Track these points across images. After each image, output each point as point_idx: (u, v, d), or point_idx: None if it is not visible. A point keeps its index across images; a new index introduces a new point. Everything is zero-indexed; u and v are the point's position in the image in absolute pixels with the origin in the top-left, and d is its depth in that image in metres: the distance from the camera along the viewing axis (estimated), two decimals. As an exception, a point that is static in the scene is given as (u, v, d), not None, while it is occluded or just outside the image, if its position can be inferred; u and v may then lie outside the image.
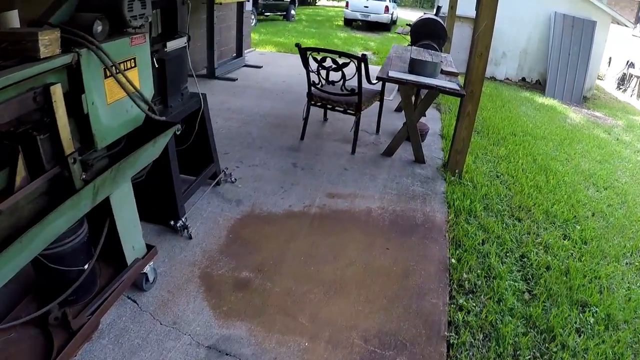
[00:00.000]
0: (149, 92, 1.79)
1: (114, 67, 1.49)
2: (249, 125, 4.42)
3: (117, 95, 1.57)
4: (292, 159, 3.70)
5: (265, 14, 14.31)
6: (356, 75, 3.50)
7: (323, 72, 3.68)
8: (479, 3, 3.11)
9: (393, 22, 16.06)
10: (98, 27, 1.44)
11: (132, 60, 1.65)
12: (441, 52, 5.32)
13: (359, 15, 14.97)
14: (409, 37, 6.00)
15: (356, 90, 3.60)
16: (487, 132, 5.16)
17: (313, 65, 3.71)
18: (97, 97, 1.47)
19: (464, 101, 3.33)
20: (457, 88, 3.33)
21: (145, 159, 1.79)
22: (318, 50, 3.58)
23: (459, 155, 3.52)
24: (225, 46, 7.11)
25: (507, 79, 9.75)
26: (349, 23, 15.69)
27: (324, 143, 4.11)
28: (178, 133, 1.88)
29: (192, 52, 5.86)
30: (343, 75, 3.58)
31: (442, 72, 3.74)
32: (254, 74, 6.59)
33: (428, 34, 5.60)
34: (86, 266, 1.67)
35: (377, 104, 4.18)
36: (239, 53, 6.93)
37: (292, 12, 15.47)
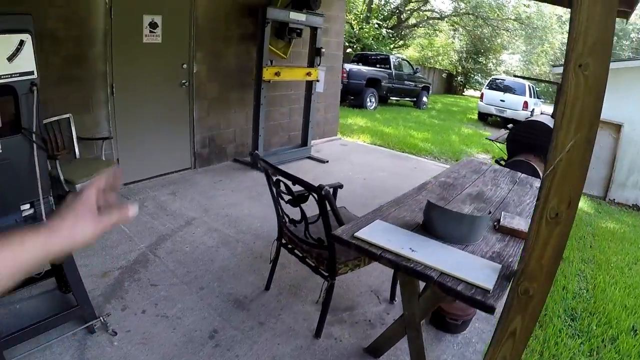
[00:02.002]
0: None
1: None
2: (223, 248, 3.26)
3: None
4: (222, 322, 2.38)
5: (392, 98, 13.55)
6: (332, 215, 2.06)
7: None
8: None
9: (534, 121, 13.58)
10: None
11: None
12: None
13: (493, 110, 13.07)
14: (504, 147, 4.26)
15: (324, 242, 2.13)
16: (588, 318, 2.94)
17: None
18: None
19: (508, 310, 1.56)
20: (486, 288, 1.52)
21: None
22: (272, 166, 2.25)
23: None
24: (288, 131, 6.31)
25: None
26: (484, 117, 13.83)
27: (291, 304, 2.61)
28: None
29: (241, 135, 5.19)
30: (303, 216, 2.17)
31: (500, 228, 2.00)
32: (311, 169, 5.50)
33: (531, 144, 3.84)
34: None
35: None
36: (304, 142, 6.00)
37: (424, 99, 14.42)
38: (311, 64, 5.60)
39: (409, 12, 20.05)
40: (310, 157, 5.98)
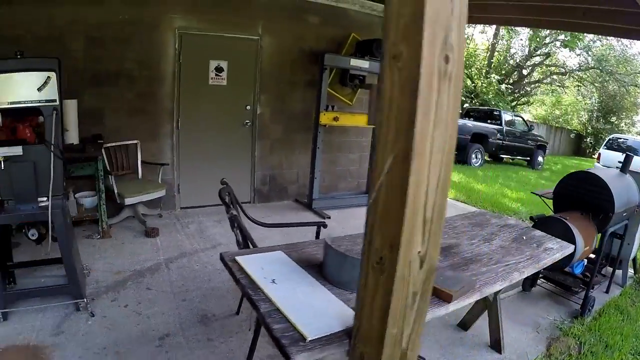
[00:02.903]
0: None
1: None
2: (226, 272, 3.20)
3: None
4: (178, 329, 2.60)
5: (503, 155, 12.40)
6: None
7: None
8: None
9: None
10: None
11: None
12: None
13: (611, 171, 10.87)
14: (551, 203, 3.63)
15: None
16: None
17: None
18: None
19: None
20: (304, 335, 1.13)
21: None
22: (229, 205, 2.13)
23: None
24: (357, 178, 6.12)
25: None
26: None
27: (247, 330, 2.57)
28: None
29: (303, 176, 5.16)
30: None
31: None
32: (359, 217, 5.19)
33: (580, 199, 3.37)
34: None
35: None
36: (367, 189, 5.72)
37: (540, 158, 12.87)
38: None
39: (530, 67, 18.58)
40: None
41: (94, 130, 4.19)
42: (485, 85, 16.08)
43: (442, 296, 1.55)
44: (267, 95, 5.13)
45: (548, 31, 16.04)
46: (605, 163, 11.29)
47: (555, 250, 2.37)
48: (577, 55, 18.13)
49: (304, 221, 4.22)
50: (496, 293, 2.51)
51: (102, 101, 4.25)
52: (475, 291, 1.65)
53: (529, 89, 19.51)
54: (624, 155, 3.97)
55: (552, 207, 3.65)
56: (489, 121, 12.08)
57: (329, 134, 5.60)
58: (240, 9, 4.74)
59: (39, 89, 2.50)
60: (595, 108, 20.67)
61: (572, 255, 2.78)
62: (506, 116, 12.36)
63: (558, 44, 16.56)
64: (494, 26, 16.45)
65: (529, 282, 3.56)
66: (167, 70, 4.52)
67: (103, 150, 4.10)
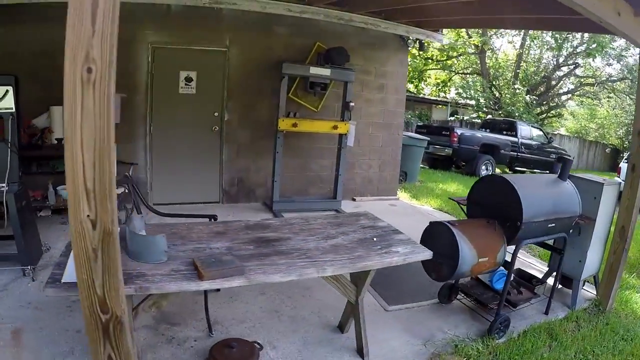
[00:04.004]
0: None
1: None
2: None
3: None
4: None
5: (517, 168, 12.03)
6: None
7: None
8: None
9: None
10: None
11: None
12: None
13: None
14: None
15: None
16: None
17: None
18: None
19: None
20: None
21: None
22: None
23: None
24: (330, 184, 6.33)
25: None
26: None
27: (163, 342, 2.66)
28: None
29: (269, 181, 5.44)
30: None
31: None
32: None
33: (490, 206, 3.11)
34: None
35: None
36: (334, 195, 5.97)
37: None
38: (343, 117, 5.70)
39: (557, 78, 17.67)
40: (338, 210, 5.90)
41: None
42: (509, 96, 15.60)
43: (198, 274, 1.84)
44: (234, 102, 5.57)
45: (570, 40, 15.36)
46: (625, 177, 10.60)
47: (401, 254, 2.37)
48: (608, 65, 17.10)
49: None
50: (358, 296, 2.57)
51: (83, 107, 4.88)
52: (239, 277, 1.88)
53: (558, 102, 18.61)
54: (558, 159, 3.76)
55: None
56: (504, 132, 11.78)
57: (298, 140, 5.92)
58: (209, 23, 5.23)
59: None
60: (631, 121, 19.27)
61: (454, 265, 2.76)
62: (522, 127, 11.98)
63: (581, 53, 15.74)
64: (521, 36, 16.01)
65: (443, 294, 3.43)
66: (141, 80, 5.09)
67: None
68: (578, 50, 15.73)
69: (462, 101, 16.51)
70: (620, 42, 14.88)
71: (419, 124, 13.34)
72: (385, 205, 6.63)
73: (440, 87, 17.90)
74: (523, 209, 2.88)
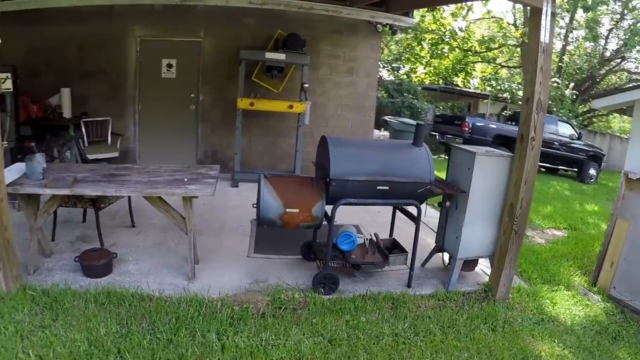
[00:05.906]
0: None
1: None
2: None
3: None
4: None
5: (540, 163, 11.45)
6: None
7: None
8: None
9: None
10: None
11: None
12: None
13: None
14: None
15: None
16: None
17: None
18: None
19: None
20: None
21: None
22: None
23: None
24: (301, 161, 6.96)
25: None
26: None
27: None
28: None
29: (242, 155, 6.22)
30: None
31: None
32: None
33: (322, 166, 3.31)
34: None
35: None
36: (294, 169, 6.64)
37: (592, 171, 11.45)
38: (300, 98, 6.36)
39: (602, 74, 15.91)
40: (297, 182, 6.56)
41: (82, 110, 6.13)
42: (549, 90, 14.54)
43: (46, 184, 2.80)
44: (208, 86, 6.53)
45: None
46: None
47: (186, 190, 3.02)
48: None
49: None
50: (187, 228, 3.17)
51: (87, 90, 6.17)
52: (66, 189, 2.81)
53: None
54: (416, 125, 3.72)
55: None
56: (527, 125, 11.32)
57: (267, 119, 6.70)
58: (186, 18, 6.24)
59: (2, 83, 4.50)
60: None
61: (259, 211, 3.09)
62: (546, 120, 11.38)
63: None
64: (564, 29, 14.82)
65: (303, 251, 3.73)
66: (130, 67, 6.27)
67: (82, 123, 6.00)
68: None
69: (501, 95, 15.81)
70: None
71: (437, 113, 13.32)
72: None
73: (486, 81, 17.35)
74: (330, 166, 3.01)
